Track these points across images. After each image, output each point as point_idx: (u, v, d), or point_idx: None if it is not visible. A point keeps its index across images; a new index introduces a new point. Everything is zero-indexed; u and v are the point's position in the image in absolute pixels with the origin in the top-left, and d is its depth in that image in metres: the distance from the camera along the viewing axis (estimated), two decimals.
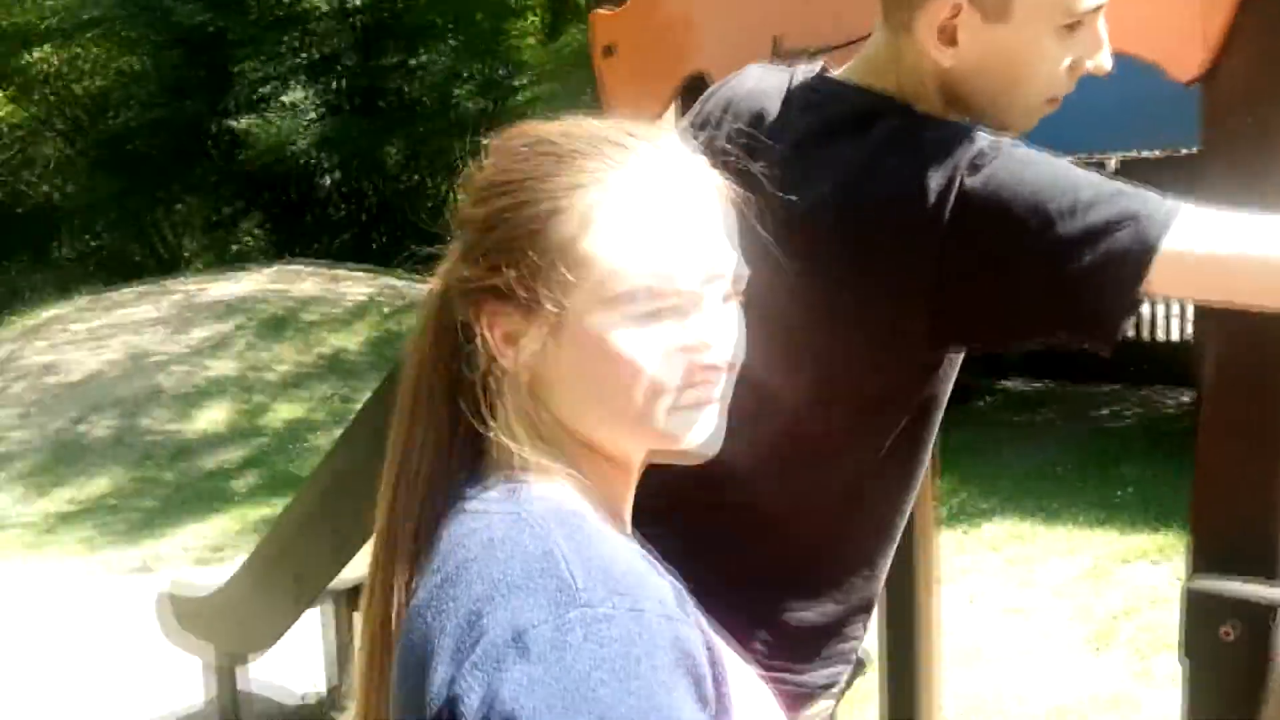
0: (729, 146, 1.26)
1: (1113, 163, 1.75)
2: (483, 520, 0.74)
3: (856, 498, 1.23)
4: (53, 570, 5.99)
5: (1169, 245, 1.00)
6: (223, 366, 9.26)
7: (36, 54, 16.62)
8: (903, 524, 1.31)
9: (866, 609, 1.33)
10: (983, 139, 1.09)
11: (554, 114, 0.83)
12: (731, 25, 1.99)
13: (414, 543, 0.78)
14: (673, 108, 2.17)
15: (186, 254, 17.73)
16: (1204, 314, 1.27)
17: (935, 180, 1.06)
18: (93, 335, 10.03)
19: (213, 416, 8.55)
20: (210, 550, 6.22)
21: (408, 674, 0.72)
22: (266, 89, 13.28)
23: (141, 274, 14.80)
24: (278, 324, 10.04)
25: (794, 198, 1.12)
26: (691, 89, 1.96)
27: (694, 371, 0.77)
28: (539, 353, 0.77)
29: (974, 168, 1.06)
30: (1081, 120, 2.26)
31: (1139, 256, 1.00)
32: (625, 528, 0.84)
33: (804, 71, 1.26)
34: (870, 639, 2.74)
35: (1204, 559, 1.56)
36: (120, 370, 9.18)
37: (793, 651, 1.23)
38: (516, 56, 12.72)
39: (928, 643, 2.78)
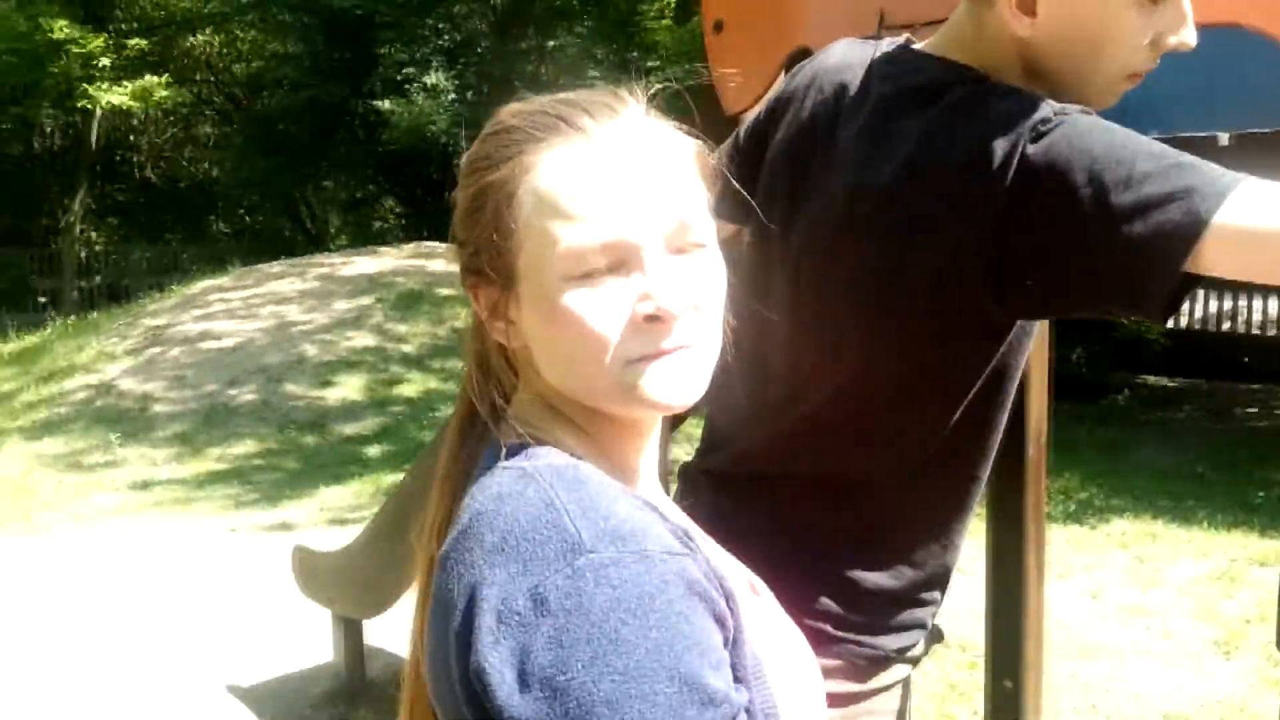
0: (809, 117, 1.29)
1: (1225, 139, 1.66)
2: (495, 476, 0.78)
3: (928, 468, 1.25)
4: (200, 526, 6.38)
5: (1221, 220, 0.98)
6: (360, 339, 9.64)
7: (200, 38, 17.57)
8: (978, 494, 1.32)
9: (942, 579, 1.34)
10: (1049, 107, 1.09)
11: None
12: (836, 1, 2.00)
13: (445, 500, 0.84)
14: (779, 82, 2.19)
15: (331, 230, 18.46)
16: None
17: (1000, 145, 1.07)
18: (243, 306, 10.57)
19: (350, 385, 8.93)
20: (346, 512, 6.52)
21: (434, 619, 0.77)
22: (408, 71, 13.69)
23: (289, 248, 15.52)
24: (412, 299, 10.39)
25: (870, 168, 1.15)
26: (796, 64, 1.98)
27: (638, 325, 0.77)
28: (517, 322, 0.81)
29: (1037, 134, 1.07)
30: (1191, 97, 2.19)
31: (1188, 230, 0.99)
32: (637, 481, 0.86)
33: (888, 44, 1.28)
34: (976, 625, 2.73)
35: None
36: (267, 339, 9.66)
37: (866, 617, 1.26)
38: (649, 38, 12.78)
39: (1034, 633, 2.75)
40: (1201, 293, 8.88)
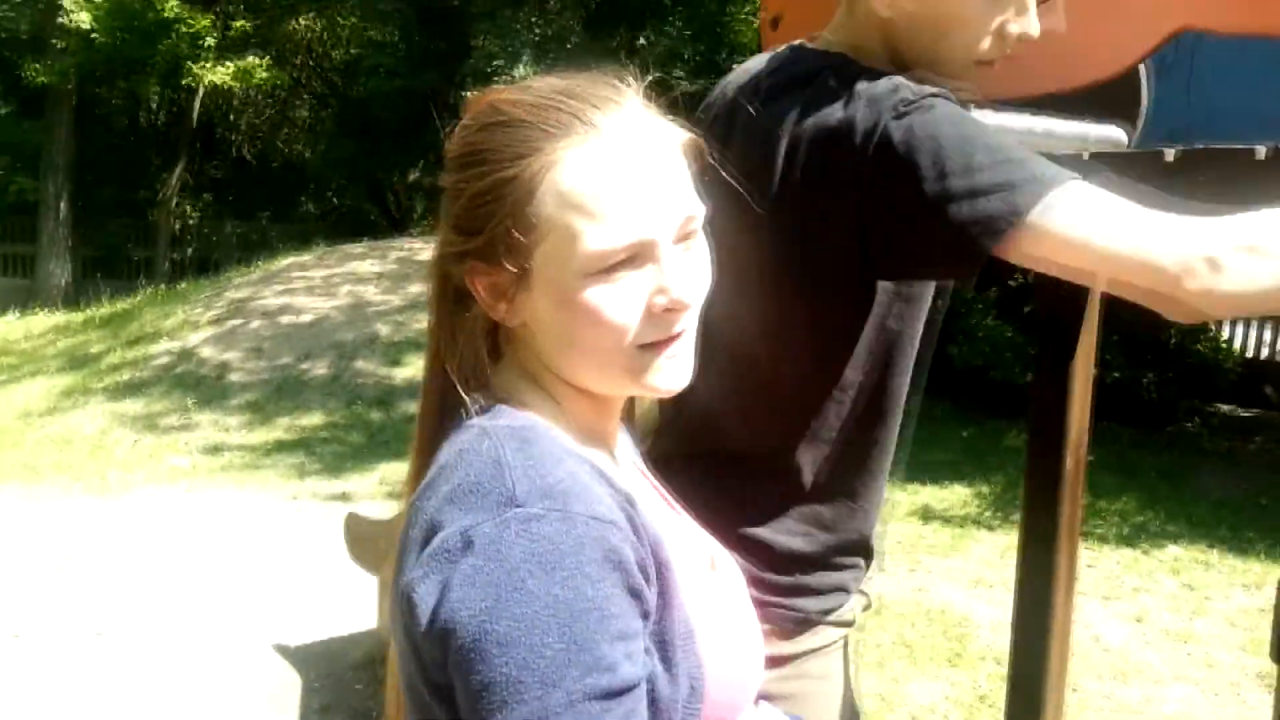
0: (718, 113, 1.38)
1: (1261, 152, 1.63)
2: (463, 433, 0.85)
3: (823, 433, 1.32)
4: (264, 493, 6.59)
5: (1032, 218, 1.07)
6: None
7: (302, 22, 18.04)
8: (882, 459, 1.40)
9: (859, 545, 1.41)
10: (909, 90, 1.18)
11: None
12: None
13: (419, 455, 0.91)
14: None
15: (414, 215, 18.81)
16: None
17: (864, 122, 1.17)
18: (323, 283, 10.86)
19: (418, 366, 9.10)
20: (404, 486, 6.68)
21: (398, 560, 0.84)
22: (498, 63, 13.89)
23: (373, 231, 15.87)
24: None
25: (753, 148, 1.26)
26: None
27: (654, 315, 0.84)
28: (522, 304, 0.86)
29: (898, 115, 1.16)
30: (1238, 109, 2.17)
31: (1001, 222, 1.09)
32: (606, 446, 0.93)
33: (785, 46, 1.39)
34: (1002, 637, 2.71)
35: None
36: (343, 317, 9.92)
37: (787, 579, 1.33)
38: (737, 39, 12.79)
39: (1059, 647, 2.74)
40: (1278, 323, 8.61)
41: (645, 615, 0.77)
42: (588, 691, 0.71)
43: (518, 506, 0.75)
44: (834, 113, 1.20)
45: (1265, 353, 8.75)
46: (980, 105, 1.79)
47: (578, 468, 0.81)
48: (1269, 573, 5.11)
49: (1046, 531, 2.56)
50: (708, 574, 0.94)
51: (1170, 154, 1.38)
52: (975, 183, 1.11)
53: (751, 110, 1.31)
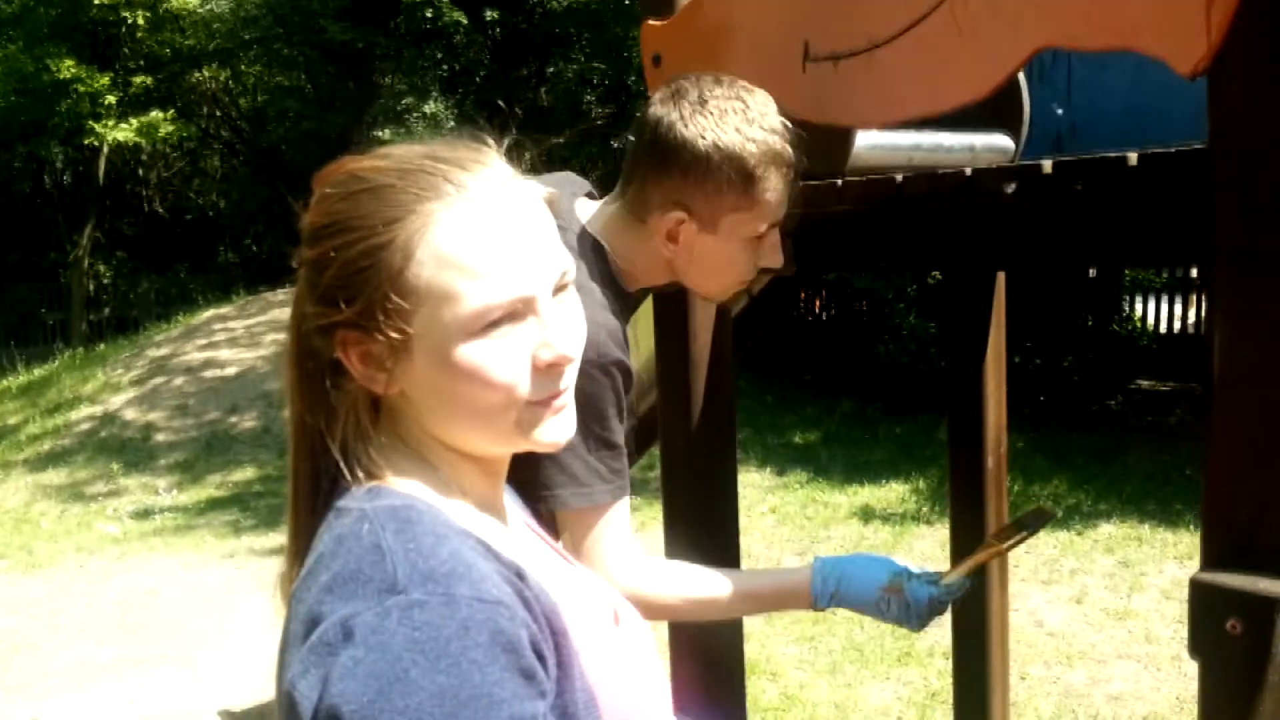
0: None
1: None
2: (341, 518, 0.81)
3: None
4: (202, 553, 6.45)
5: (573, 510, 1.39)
6: None
7: (205, 73, 17.78)
8: None
9: None
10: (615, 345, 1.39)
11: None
12: (763, 32, 2.06)
13: (295, 541, 0.88)
14: None
15: None
16: (1212, 309, 1.30)
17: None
18: (246, 334, 10.70)
19: None
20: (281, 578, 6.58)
21: (280, 653, 0.82)
22: (408, 101, 13.84)
23: (295, 276, 15.63)
24: None
25: None
26: None
27: (539, 370, 0.83)
28: (400, 372, 0.83)
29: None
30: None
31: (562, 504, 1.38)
32: (498, 514, 0.92)
33: (576, 203, 1.53)
34: (949, 632, 2.76)
35: (1213, 553, 1.57)
36: (269, 366, 9.77)
37: None
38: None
39: (998, 642, 2.80)
40: (1195, 296, 8.88)
41: (542, 695, 0.74)
42: None
43: (399, 593, 0.72)
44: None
45: (1178, 326, 9.03)
46: (864, 129, 1.84)
47: (461, 546, 0.78)
48: (1198, 543, 5.26)
49: (974, 531, 2.62)
50: (610, 631, 0.93)
51: (1047, 165, 1.43)
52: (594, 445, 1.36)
53: None
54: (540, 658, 0.75)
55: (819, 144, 1.62)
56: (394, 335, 0.81)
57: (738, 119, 1.40)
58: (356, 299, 0.81)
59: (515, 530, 0.96)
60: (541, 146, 14.23)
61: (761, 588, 1.49)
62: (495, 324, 0.81)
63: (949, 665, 4.09)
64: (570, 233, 1.45)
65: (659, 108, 1.43)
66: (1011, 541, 1.55)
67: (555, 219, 0.89)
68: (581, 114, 13.59)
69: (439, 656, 0.70)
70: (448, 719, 0.69)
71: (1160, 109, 2.26)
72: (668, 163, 1.40)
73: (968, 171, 1.53)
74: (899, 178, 1.61)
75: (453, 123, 13.82)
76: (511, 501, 1.01)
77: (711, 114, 1.40)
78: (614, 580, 1.34)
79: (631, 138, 1.49)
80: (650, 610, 1.32)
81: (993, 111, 2.18)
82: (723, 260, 1.46)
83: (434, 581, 0.73)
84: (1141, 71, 2.27)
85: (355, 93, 15.02)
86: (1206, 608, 1.54)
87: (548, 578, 0.87)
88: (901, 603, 1.45)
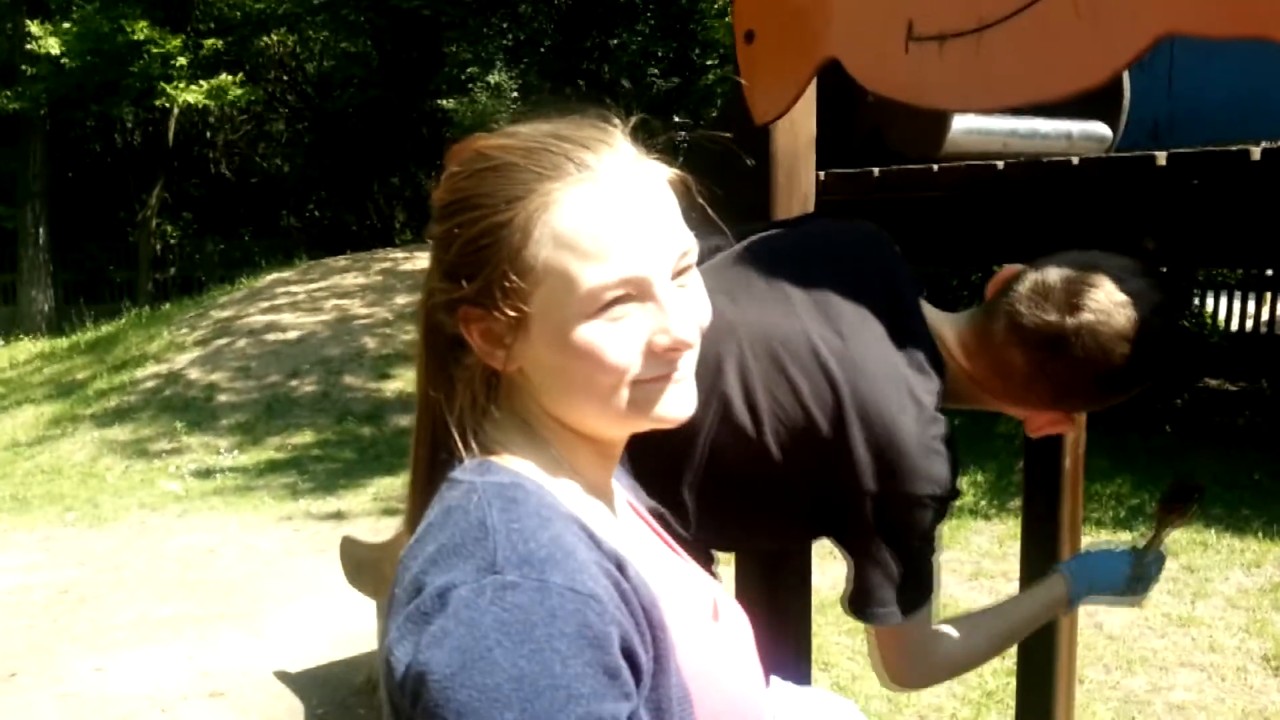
0: None
1: (1257, 153, 1.59)
2: (452, 490, 0.83)
3: None
4: (257, 514, 6.55)
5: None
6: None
7: (273, 38, 17.95)
8: None
9: None
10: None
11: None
12: (864, 8, 1.99)
13: (411, 508, 0.90)
14: (810, 92, 2.19)
15: (396, 225, 18.75)
16: None
17: None
18: (308, 299, 10.82)
19: (407, 378, 9.08)
20: (398, 502, 6.65)
21: (388, 616, 0.82)
22: (472, 70, 13.85)
23: (356, 243, 15.81)
24: None
25: None
26: (827, 75, 1.98)
27: (655, 354, 0.83)
28: (519, 350, 0.84)
29: None
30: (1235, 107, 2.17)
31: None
32: (607, 498, 0.91)
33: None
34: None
35: None
36: (329, 332, 9.87)
37: None
38: (709, 35, 12.77)
39: (1066, 644, 2.73)
40: (1268, 295, 8.63)
41: (626, 696, 0.74)
42: None
43: (495, 573, 0.74)
44: None
45: (1250, 325, 8.78)
46: (961, 113, 1.78)
47: (564, 530, 0.79)
48: (1267, 551, 5.13)
49: (1048, 533, 2.55)
50: (709, 626, 0.92)
51: (1162, 157, 1.36)
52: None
53: None
54: (631, 656, 0.75)
55: (916, 127, 1.57)
56: (511, 314, 0.81)
57: (1147, 308, 1.35)
58: (477, 276, 0.82)
59: (622, 515, 0.95)
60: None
61: (1032, 611, 1.58)
62: (610, 305, 0.81)
63: (1005, 665, 4.02)
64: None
65: (1092, 303, 1.34)
66: (1188, 512, 1.66)
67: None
68: (645, 87, 13.50)
69: (523, 641, 0.71)
70: (524, 703, 0.69)
71: (1266, 102, 2.17)
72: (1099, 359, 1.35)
73: (1074, 160, 1.47)
74: (1000, 164, 1.55)
75: (515, 93, 13.82)
76: (621, 486, 1.00)
77: (1134, 305, 1.34)
78: (935, 669, 1.47)
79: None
80: (960, 670, 1.52)
81: (1089, 98, 2.10)
82: None
83: (530, 565, 0.74)
84: (1249, 63, 2.18)
85: (420, 60, 15.07)
86: None
87: (650, 567, 0.86)
88: (1142, 583, 1.57)
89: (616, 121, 0.87)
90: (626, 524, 0.95)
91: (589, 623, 0.73)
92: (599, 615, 0.73)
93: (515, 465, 0.85)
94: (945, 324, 1.43)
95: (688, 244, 0.85)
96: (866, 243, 1.48)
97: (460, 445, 0.85)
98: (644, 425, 0.87)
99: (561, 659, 0.71)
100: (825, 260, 1.46)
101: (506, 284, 0.81)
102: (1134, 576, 1.56)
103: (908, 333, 1.37)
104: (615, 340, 0.81)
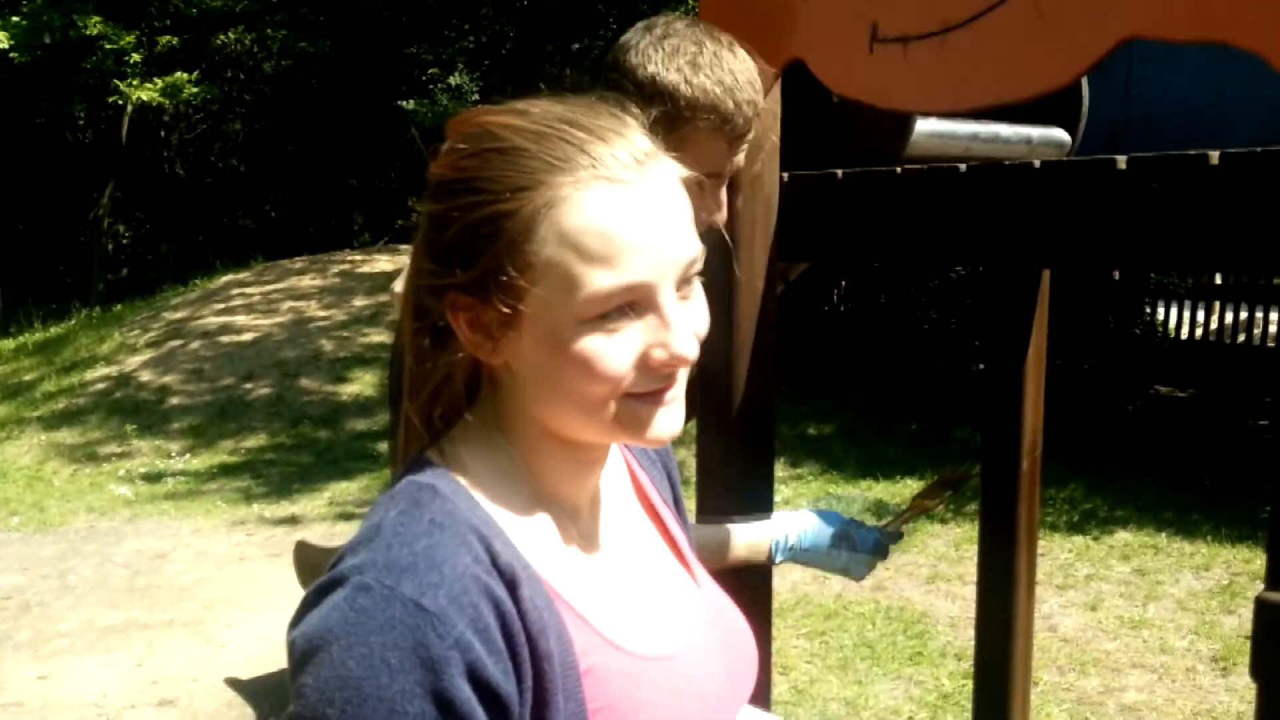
0: None
1: (1215, 158, 1.62)
2: (397, 481, 0.82)
3: None
4: (213, 518, 6.45)
5: None
6: (376, 335, 9.72)
7: (230, 36, 17.73)
8: None
9: None
10: None
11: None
12: (829, 9, 1.99)
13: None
14: (774, 94, 2.19)
15: (355, 227, 18.60)
16: None
17: None
18: (263, 300, 10.68)
19: (364, 381, 9.00)
20: (354, 506, 6.58)
21: None
22: (433, 71, 13.80)
23: (313, 244, 15.65)
24: None
25: None
26: (792, 76, 1.98)
27: (650, 368, 0.78)
28: (507, 345, 0.80)
29: None
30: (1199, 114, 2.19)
31: None
32: (572, 505, 0.86)
33: None
34: (967, 636, 2.71)
35: None
36: (285, 334, 9.75)
37: None
38: None
39: (1022, 645, 2.75)
40: (1217, 304, 8.80)
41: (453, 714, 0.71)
42: None
43: (359, 573, 0.73)
44: None
45: (1199, 333, 8.94)
46: (924, 115, 1.79)
47: (447, 541, 0.75)
48: (1215, 554, 5.21)
49: (1005, 535, 2.57)
50: (639, 661, 0.83)
51: (1122, 161, 1.37)
52: None
53: None
54: (484, 684, 0.72)
55: (879, 129, 1.57)
56: (504, 309, 0.77)
57: (684, 60, 1.37)
58: (472, 265, 0.78)
59: (607, 521, 0.90)
60: None
61: (724, 539, 1.53)
62: (612, 315, 0.76)
63: (961, 667, 4.06)
64: None
65: (627, 35, 1.41)
66: (939, 500, 1.70)
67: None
68: (584, 106, 13.50)
69: (357, 644, 0.70)
70: (345, 705, 0.69)
71: (1223, 112, 2.20)
72: (611, 87, 1.36)
73: (1035, 164, 1.48)
74: (963, 167, 1.56)
75: (477, 95, 13.77)
76: (647, 479, 0.97)
77: (664, 50, 1.37)
78: None
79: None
80: None
81: (1048, 104, 2.12)
82: None
83: (389, 572, 0.73)
84: (1205, 72, 2.21)
85: (380, 61, 14.96)
86: (1271, 629, 1.48)
87: (589, 587, 0.82)
88: (851, 550, 1.57)
89: (635, 111, 0.82)
90: (608, 534, 0.89)
91: (425, 642, 0.70)
92: (439, 636, 0.70)
93: (455, 461, 0.82)
94: None
95: (695, 251, 0.80)
96: None
97: (425, 433, 0.83)
98: (625, 442, 0.84)
99: (390, 671, 0.70)
100: None
101: (503, 278, 0.77)
102: (840, 535, 1.57)
103: None
104: (611, 351, 0.77)
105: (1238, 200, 1.30)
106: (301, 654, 0.72)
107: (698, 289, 0.82)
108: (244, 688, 4.07)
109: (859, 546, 1.57)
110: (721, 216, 1.41)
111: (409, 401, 0.85)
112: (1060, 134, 2.13)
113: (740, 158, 1.41)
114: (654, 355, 0.78)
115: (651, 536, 0.96)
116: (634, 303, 0.77)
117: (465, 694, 0.71)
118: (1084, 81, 2.13)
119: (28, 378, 9.85)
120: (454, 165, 0.80)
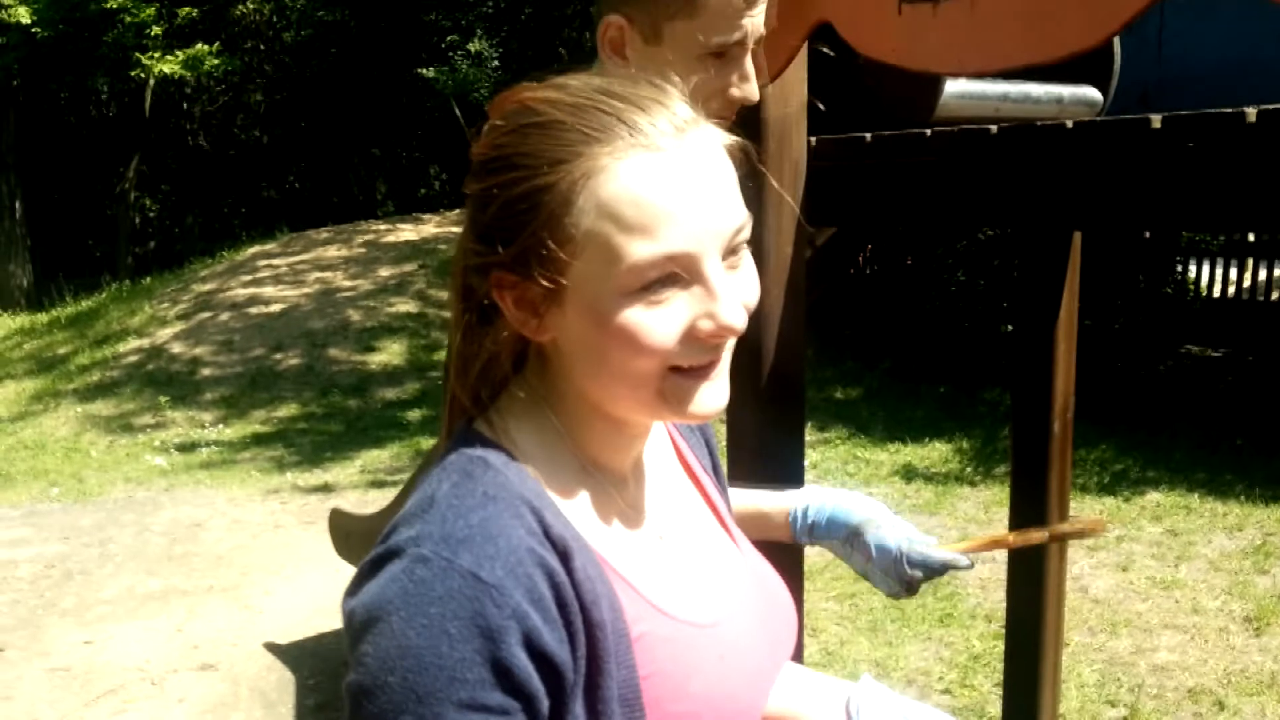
0: None
1: (1253, 114, 1.59)
2: (446, 454, 0.83)
3: None
4: (247, 487, 6.53)
5: None
6: (403, 305, 9.77)
7: (249, 6, 17.71)
8: None
9: None
10: None
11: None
12: None
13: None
14: (801, 56, 2.17)
15: (378, 196, 18.62)
16: None
17: None
18: (290, 272, 10.74)
19: (392, 351, 9.06)
20: (385, 474, 6.65)
21: None
22: (452, 39, 13.73)
23: (337, 214, 15.70)
24: None
25: None
26: (819, 39, 1.96)
27: (697, 339, 0.77)
28: (553, 320, 0.79)
29: None
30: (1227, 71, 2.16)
31: None
32: (618, 477, 0.87)
33: None
34: (1004, 597, 2.73)
35: None
36: (312, 305, 9.81)
37: None
38: None
39: (1053, 606, 2.76)
40: (1250, 261, 8.67)
41: (517, 694, 0.72)
42: None
43: (417, 546, 0.74)
44: None
45: (1231, 291, 8.83)
46: (954, 76, 1.77)
47: (502, 513, 0.76)
48: (1248, 514, 5.18)
49: (1036, 497, 2.57)
50: (688, 628, 0.84)
51: (1157, 120, 1.36)
52: None
53: None
54: (542, 654, 0.73)
55: (908, 91, 1.55)
56: (546, 284, 0.77)
57: None
58: (513, 242, 0.77)
59: (651, 493, 0.91)
60: None
61: (748, 506, 1.27)
62: (653, 285, 0.75)
63: (991, 629, 4.07)
64: None
65: None
66: (1028, 540, 1.23)
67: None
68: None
69: (417, 615, 0.71)
70: (406, 673, 0.71)
71: (1255, 67, 2.16)
72: None
73: (1068, 124, 1.46)
74: (993, 128, 1.55)
75: (497, 61, 13.70)
76: (694, 455, 0.98)
77: None
78: None
79: None
80: None
81: (1080, 63, 2.09)
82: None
83: (447, 543, 0.74)
84: (1237, 28, 2.17)
85: (400, 30, 14.91)
86: None
87: (636, 559, 0.83)
88: (866, 554, 1.18)
89: (676, 80, 0.81)
90: (653, 503, 0.90)
91: (484, 612, 0.71)
92: (497, 607, 0.72)
93: (504, 435, 0.83)
94: None
95: (742, 219, 0.79)
96: None
97: (473, 409, 0.84)
98: (668, 418, 0.83)
99: (450, 641, 0.71)
100: None
101: (544, 252, 0.76)
102: (853, 532, 1.19)
103: None
104: (655, 321, 0.76)
105: (1276, 158, 1.29)
106: (361, 624, 0.73)
107: (747, 258, 0.81)
108: (283, 652, 4.15)
109: (874, 553, 1.17)
110: (752, 89, 1.29)
111: (456, 380, 0.85)
112: (1092, 93, 2.10)
113: (759, 18, 1.30)
114: (701, 326, 0.77)
115: (696, 504, 0.96)
116: (678, 273, 0.75)
117: (522, 662, 0.72)
118: (1116, 39, 2.10)
119: (62, 351, 9.98)
120: (493, 143, 0.79)
